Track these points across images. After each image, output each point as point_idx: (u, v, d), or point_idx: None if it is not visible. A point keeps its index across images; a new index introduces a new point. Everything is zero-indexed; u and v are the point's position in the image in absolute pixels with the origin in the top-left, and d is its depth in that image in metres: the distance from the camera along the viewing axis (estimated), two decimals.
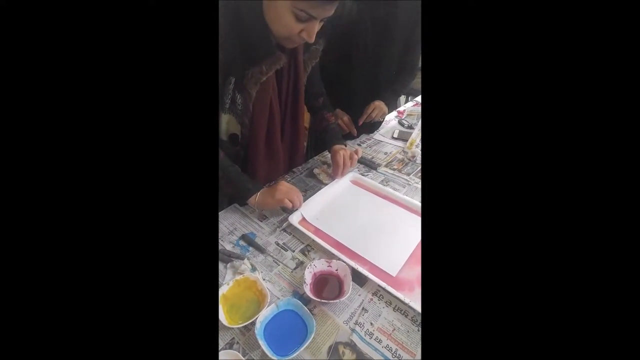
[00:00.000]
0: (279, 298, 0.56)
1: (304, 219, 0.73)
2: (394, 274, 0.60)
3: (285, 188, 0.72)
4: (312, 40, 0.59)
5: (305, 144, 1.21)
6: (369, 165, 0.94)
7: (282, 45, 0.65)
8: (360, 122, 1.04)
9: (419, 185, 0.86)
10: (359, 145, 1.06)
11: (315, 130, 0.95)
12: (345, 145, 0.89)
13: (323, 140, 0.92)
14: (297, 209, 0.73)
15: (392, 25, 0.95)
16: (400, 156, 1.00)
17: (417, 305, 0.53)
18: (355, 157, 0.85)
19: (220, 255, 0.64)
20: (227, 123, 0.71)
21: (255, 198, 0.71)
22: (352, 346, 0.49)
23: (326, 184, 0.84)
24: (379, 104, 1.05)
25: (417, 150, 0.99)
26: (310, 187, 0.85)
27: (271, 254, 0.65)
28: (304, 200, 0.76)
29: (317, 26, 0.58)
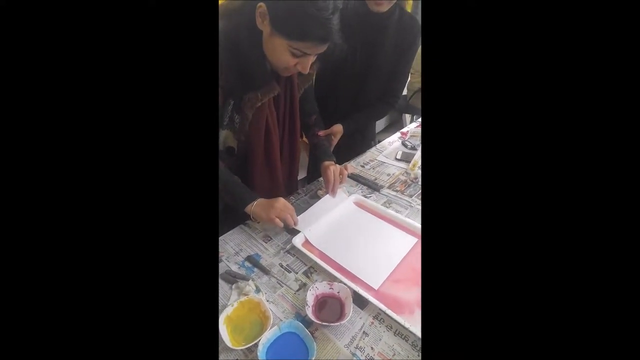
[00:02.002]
0: (281, 320, 0.58)
1: (307, 241, 0.75)
2: (376, 287, 0.63)
3: (280, 206, 0.74)
4: (307, 71, 0.65)
5: (307, 158, 1.24)
6: (372, 187, 0.97)
7: (278, 73, 0.70)
8: (322, 134, 1.04)
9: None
10: (362, 166, 1.09)
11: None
12: (335, 161, 0.92)
13: (314, 156, 0.96)
14: (293, 227, 0.76)
15: (380, 53, 1.00)
16: (403, 178, 1.02)
17: (417, 330, 0.54)
18: (345, 172, 0.89)
19: (226, 276, 0.66)
20: (224, 137, 0.75)
21: (252, 207, 0.74)
22: None
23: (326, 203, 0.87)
24: (338, 131, 1.06)
25: (420, 172, 1.01)
26: None
27: (275, 275, 0.67)
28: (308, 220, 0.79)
29: (311, 60, 0.64)
